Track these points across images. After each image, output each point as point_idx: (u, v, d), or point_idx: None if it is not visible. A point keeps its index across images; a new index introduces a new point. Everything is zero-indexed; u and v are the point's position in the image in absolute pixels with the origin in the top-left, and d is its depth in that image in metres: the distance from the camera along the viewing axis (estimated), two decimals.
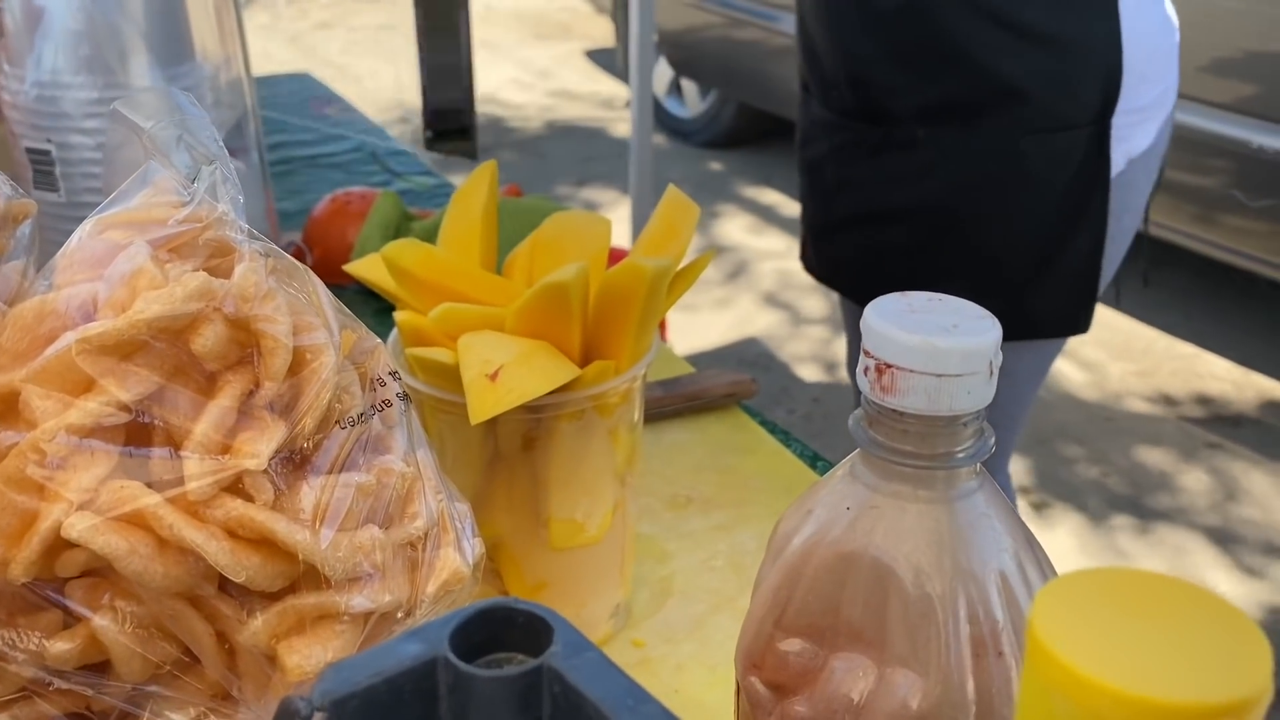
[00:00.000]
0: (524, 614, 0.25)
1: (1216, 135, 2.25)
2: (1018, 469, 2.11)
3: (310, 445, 0.34)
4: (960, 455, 0.31)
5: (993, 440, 0.31)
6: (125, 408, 0.32)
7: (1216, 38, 2.29)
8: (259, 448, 0.32)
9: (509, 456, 0.55)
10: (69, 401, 0.32)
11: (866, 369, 0.31)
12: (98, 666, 0.33)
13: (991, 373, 0.30)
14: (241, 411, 0.33)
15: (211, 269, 0.34)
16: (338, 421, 0.35)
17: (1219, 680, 0.18)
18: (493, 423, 0.51)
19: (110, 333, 0.31)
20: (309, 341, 0.34)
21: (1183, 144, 2.30)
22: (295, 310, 0.34)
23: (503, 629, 0.25)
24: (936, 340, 0.29)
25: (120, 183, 0.35)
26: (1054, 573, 0.32)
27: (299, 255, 0.99)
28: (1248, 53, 2.20)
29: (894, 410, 0.30)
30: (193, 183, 0.34)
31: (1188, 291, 2.72)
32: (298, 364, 0.33)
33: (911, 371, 0.29)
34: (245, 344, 0.33)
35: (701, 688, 0.58)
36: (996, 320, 0.31)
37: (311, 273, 0.37)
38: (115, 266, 0.33)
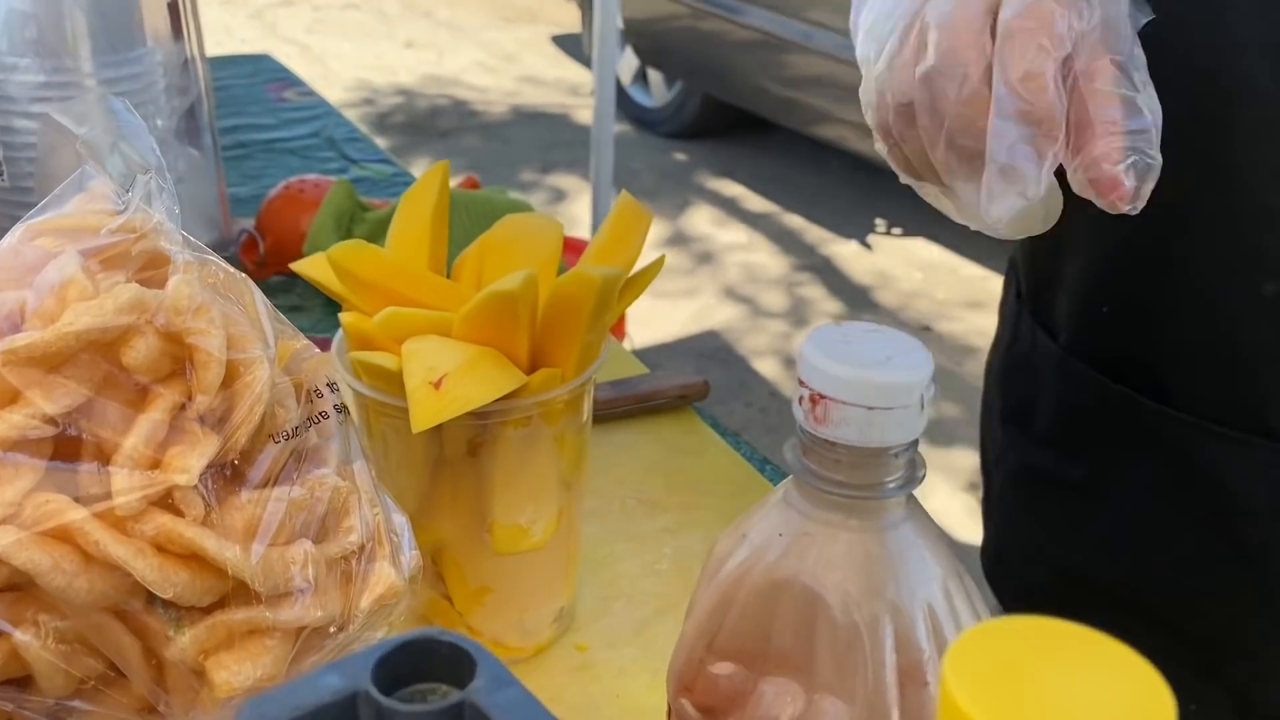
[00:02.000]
0: (447, 645, 0.25)
1: None
2: (968, 469, 2.14)
3: (242, 459, 0.34)
4: (890, 485, 0.31)
5: (923, 472, 0.32)
6: (51, 420, 0.31)
7: None
8: (189, 462, 0.32)
9: (454, 462, 0.54)
10: None
11: (801, 398, 0.31)
12: (19, 681, 0.33)
13: (923, 406, 0.30)
14: (172, 425, 0.32)
15: (144, 280, 0.33)
16: (271, 435, 0.34)
17: None
18: (438, 428, 0.51)
19: (38, 344, 0.31)
20: (243, 355, 0.33)
21: None
22: (230, 323, 0.33)
23: (426, 660, 0.25)
24: (869, 373, 0.30)
25: (53, 187, 0.34)
26: (982, 604, 0.33)
27: (251, 243, 0.98)
28: None
29: (827, 440, 0.31)
30: (127, 191, 0.34)
31: None
32: (231, 377, 0.33)
33: (844, 403, 0.30)
34: (178, 357, 0.33)
35: (643, 692, 0.58)
36: (929, 354, 0.31)
37: (250, 282, 0.36)
38: (45, 275, 0.32)
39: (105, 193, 0.34)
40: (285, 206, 1.02)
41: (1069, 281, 0.63)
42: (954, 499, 2.08)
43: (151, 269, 0.34)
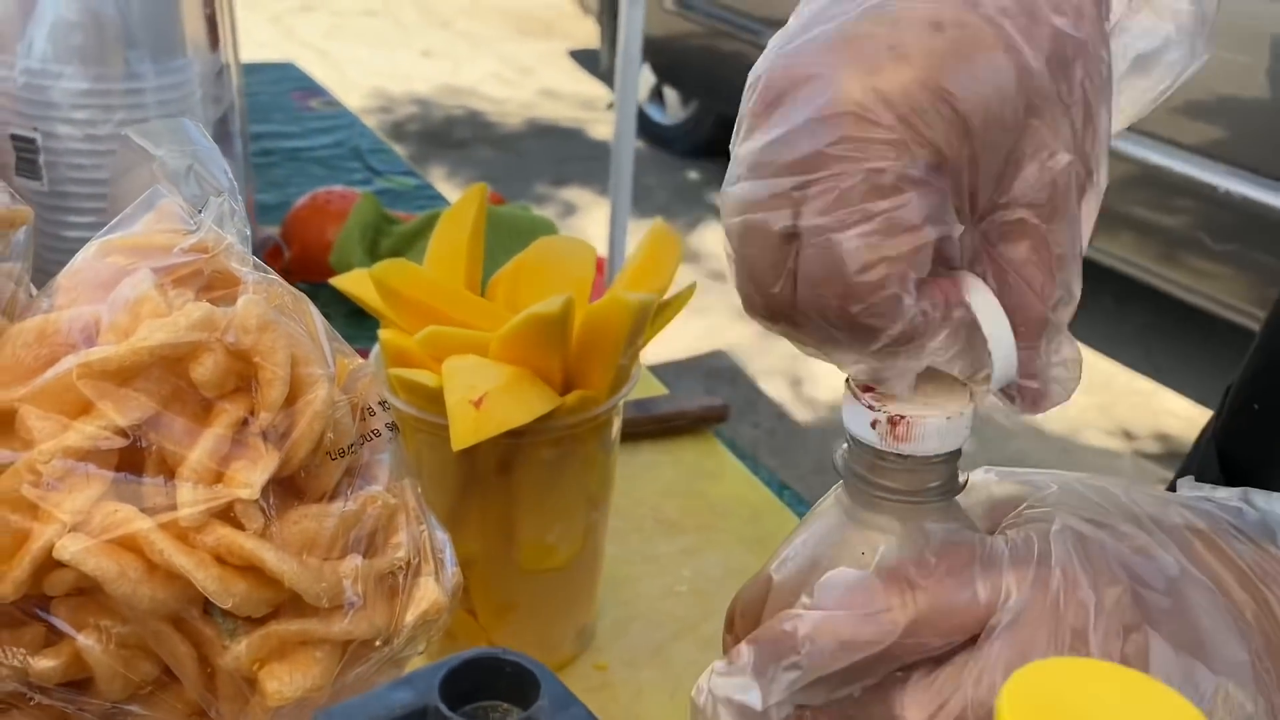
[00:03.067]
0: (512, 664, 0.26)
1: (1185, 177, 2.29)
2: None
3: (300, 475, 0.35)
4: (959, 483, 0.34)
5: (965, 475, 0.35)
6: (122, 432, 0.32)
7: (1190, 81, 2.33)
8: (252, 477, 0.33)
9: (484, 479, 0.55)
10: (66, 423, 0.32)
11: (875, 423, 0.33)
12: (78, 683, 0.34)
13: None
14: (235, 440, 0.34)
15: (211, 299, 0.34)
16: (328, 452, 0.35)
17: None
18: (471, 446, 0.52)
19: (113, 359, 0.32)
20: (305, 373, 0.34)
21: (1152, 183, 2.34)
22: (294, 342, 0.34)
23: (490, 678, 0.26)
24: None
25: (125, 206, 0.35)
26: None
27: (275, 251, 0.99)
28: (1220, 98, 2.24)
29: (903, 455, 0.33)
30: (199, 212, 0.35)
31: (1149, 327, 2.77)
32: (293, 395, 0.34)
33: (924, 419, 0.32)
34: (243, 374, 0.34)
35: (660, 713, 0.59)
36: None
37: (310, 302, 0.37)
38: (119, 292, 0.33)
39: (175, 212, 0.35)
40: (312, 217, 1.03)
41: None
42: None
43: (219, 288, 0.35)
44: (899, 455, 0.33)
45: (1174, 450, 2.34)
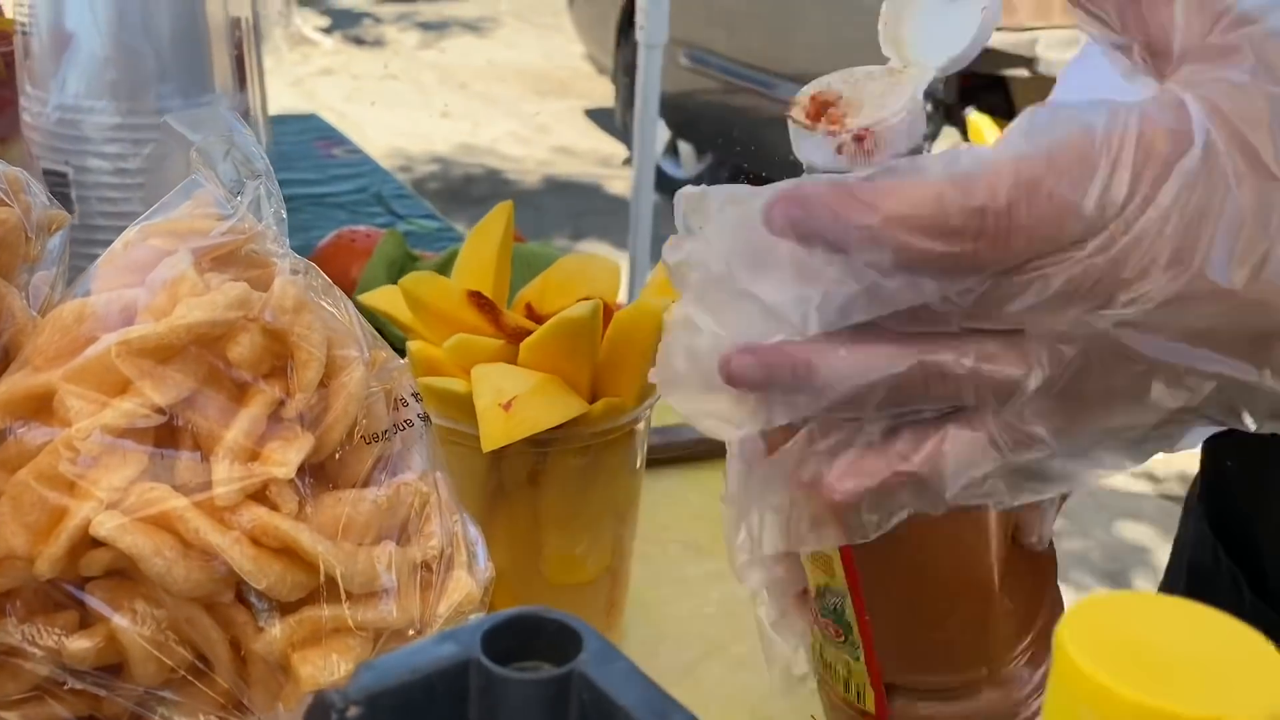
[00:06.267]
0: (553, 623, 0.25)
1: None
2: None
3: (334, 460, 0.35)
4: None
5: None
6: (160, 410, 0.33)
7: None
8: (287, 456, 0.33)
9: (512, 490, 0.55)
10: (104, 401, 0.32)
11: (841, 146, 0.31)
12: (111, 669, 0.34)
13: None
14: (270, 421, 0.34)
15: (248, 282, 0.35)
16: (362, 436, 0.35)
17: (1240, 699, 0.19)
18: (499, 455, 0.52)
19: (151, 336, 0.32)
20: (340, 355, 0.34)
21: None
22: (328, 325, 0.34)
23: (531, 637, 0.25)
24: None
25: (162, 194, 0.36)
26: None
27: None
28: None
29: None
30: (236, 196, 0.35)
31: None
32: (328, 376, 0.34)
33: (885, 122, 0.31)
34: (279, 354, 0.34)
35: None
36: None
37: (343, 293, 0.38)
38: (157, 272, 0.34)
39: (211, 199, 0.36)
40: (337, 254, 1.04)
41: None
42: None
43: (255, 270, 0.35)
44: None
45: None
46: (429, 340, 0.55)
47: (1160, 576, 0.64)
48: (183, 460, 0.33)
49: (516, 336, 0.53)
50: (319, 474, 0.35)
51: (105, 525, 0.31)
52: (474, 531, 0.40)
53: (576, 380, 0.53)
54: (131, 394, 0.32)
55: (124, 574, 0.33)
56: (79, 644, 0.32)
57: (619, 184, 3.96)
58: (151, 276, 0.34)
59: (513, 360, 0.53)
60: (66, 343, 0.33)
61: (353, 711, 0.22)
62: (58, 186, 0.80)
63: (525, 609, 0.26)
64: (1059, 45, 2.73)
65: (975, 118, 2.92)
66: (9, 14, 0.89)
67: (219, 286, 0.33)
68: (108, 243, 0.80)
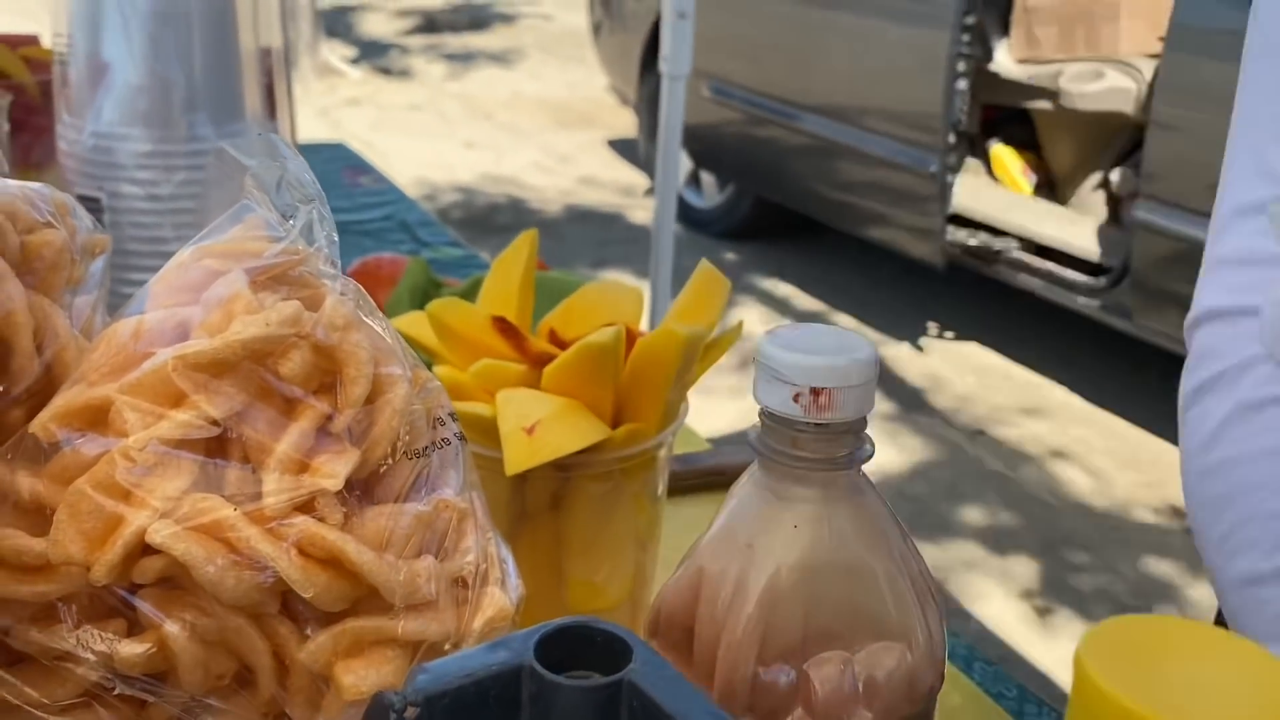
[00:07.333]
0: (603, 633, 0.26)
1: None
2: (1023, 575, 2.10)
3: (376, 474, 0.36)
4: (870, 448, 0.36)
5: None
6: (213, 422, 0.34)
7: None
8: (335, 469, 0.34)
9: (535, 515, 0.56)
10: (160, 413, 0.34)
11: (798, 395, 0.34)
12: (158, 676, 0.34)
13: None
14: (318, 435, 0.35)
15: (299, 301, 0.36)
16: (404, 453, 0.36)
17: (1254, 717, 0.19)
18: (522, 480, 0.52)
19: (206, 351, 0.33)
20: (385, 373, 0.36)
21: (1197, 260, 2.33)
22: (375, 344, 0.36)
23: (581, 647, 0.26)
24: (854, 356, 0.35)
25: (214, 218, 0.37)
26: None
27: None
28: None
29: (824, 424, 0.35)
30: (289, 220, 0.36)
31: None
32: (374, 393, 0.36)
33: (846, 388, 0.34)
34: (328, 371, 0.35)
35: None
36: (848, 329, 0.36)
37: (385, 318, 0.39)
38: (213, 291, 0.35)
39: (261, 223, 0.37)
40: (363, 281, 1.04)
41: None
42: (1008, 606, 2.04)
43: (305, 290, 0.36)
44: (819, 425, 0.35)
45: None
46: (454, 365, 0.56)
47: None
48: (233, 472, 0.34)
49: (540, 362, 0.53)
50: (363, 488, 0.36)
51: (160, 532, 0.32)
52: (505, 552, 0.40)
53: (599, 405, 0.54)
54: (186, 406, 0.33)
55: (174, 582, 0.34)
56: (131, 649, 0.33)
57: (640, 213, 3.98)
58: (207, 295, 0.35)
59: (536, 385, 0.53)
60: (121, 359, 0.35)
61: (410, 712, 0.23)
62: (91, 211, 0.81)
63: (576, 618, 0.27)
64: (1082, 78, 2.73)
65: (998, 149, 2.93)
66: (47, 44, 0.92)
67: (272, 305, 0.34)
68: (139, 266, 0.82)
